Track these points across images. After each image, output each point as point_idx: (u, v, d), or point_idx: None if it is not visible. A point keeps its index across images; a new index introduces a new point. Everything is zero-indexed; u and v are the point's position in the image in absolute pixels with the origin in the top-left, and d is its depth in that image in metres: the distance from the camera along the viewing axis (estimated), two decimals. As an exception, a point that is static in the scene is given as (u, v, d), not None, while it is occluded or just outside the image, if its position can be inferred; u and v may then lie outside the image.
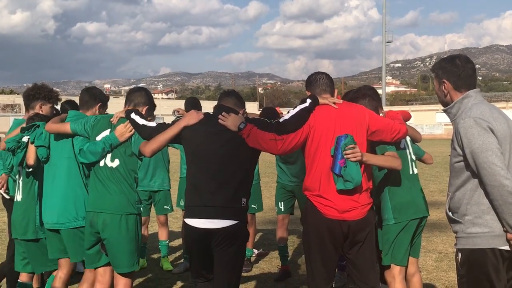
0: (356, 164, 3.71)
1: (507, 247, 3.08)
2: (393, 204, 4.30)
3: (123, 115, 4.25)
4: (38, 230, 4.69)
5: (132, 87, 4.80)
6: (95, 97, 4.72)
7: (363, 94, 4.42)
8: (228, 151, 3.85)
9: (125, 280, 4.24)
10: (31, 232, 4.73)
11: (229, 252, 3.80)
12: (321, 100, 3.90)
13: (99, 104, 4.71)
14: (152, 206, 7.07)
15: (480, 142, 3.04)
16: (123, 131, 4.21)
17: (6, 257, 5.36)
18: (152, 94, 4.91)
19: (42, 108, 5.05)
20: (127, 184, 4.24)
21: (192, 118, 3.96)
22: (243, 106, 4.19)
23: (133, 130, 4.19)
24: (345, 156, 3.68)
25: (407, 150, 4.48)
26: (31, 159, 4.61)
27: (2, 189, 5.16)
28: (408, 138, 4.51)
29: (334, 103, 3.92)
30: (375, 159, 3.95)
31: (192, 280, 4.22)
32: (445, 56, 3.53)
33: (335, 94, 4.12)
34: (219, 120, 3.88)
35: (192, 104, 6.34)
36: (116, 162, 4.23)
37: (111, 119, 4.35)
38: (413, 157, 4.56)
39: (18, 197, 4.84)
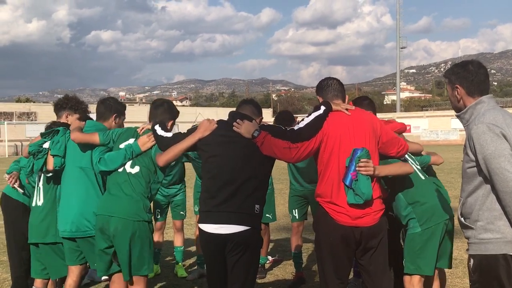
0: (367, 178, 3.71)
1: (519, 253, 3.06)
2: (417, 212, 4.29)
3: (150, 127, 4.39)
4: (58, 234, 4.75)
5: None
6: (110, 108, 4.85)
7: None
8: (242, 158, 3.88)
9: (138, 286, 4.28)
10: (50, 235, 4.81)
11: (242, 258, 3.82)
12: (334, 107, 3.90)
13: (114, 114, 4.84)
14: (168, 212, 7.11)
15: (492, 148, 3.03)
16: (145, 141, 4.36)
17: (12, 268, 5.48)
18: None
19: (68, 118, 5.13)
20: (142, 191, 4.31)
21: (207, 129, 4.01)
22: (260, 115, 4.22)
23: (155, 141, 4.30)
24: (356, 169, 3.69)
25: (409, 161, 4.47)
26: (50, 165, 4.69)
27: (16, 184, 5.24)
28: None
29: (347, 109, 3.92)
30: (387, 170, 3.96)
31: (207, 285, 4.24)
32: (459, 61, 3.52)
33: (346, 100, 4.10)
34: (234, 127, 3.92)
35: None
36: (136, 169, 4.33)
37: (137, 129, 4.49)
38: (418, 167, 4.58)
39: (38, 202, 4.91)
